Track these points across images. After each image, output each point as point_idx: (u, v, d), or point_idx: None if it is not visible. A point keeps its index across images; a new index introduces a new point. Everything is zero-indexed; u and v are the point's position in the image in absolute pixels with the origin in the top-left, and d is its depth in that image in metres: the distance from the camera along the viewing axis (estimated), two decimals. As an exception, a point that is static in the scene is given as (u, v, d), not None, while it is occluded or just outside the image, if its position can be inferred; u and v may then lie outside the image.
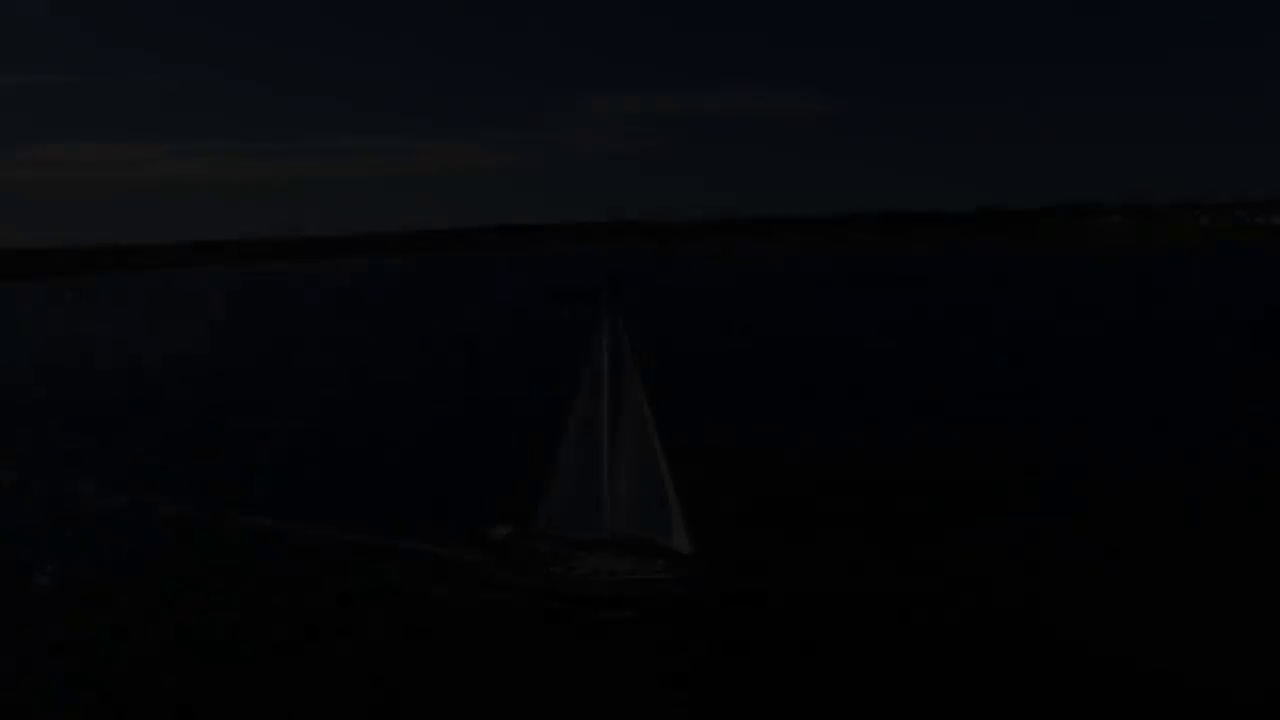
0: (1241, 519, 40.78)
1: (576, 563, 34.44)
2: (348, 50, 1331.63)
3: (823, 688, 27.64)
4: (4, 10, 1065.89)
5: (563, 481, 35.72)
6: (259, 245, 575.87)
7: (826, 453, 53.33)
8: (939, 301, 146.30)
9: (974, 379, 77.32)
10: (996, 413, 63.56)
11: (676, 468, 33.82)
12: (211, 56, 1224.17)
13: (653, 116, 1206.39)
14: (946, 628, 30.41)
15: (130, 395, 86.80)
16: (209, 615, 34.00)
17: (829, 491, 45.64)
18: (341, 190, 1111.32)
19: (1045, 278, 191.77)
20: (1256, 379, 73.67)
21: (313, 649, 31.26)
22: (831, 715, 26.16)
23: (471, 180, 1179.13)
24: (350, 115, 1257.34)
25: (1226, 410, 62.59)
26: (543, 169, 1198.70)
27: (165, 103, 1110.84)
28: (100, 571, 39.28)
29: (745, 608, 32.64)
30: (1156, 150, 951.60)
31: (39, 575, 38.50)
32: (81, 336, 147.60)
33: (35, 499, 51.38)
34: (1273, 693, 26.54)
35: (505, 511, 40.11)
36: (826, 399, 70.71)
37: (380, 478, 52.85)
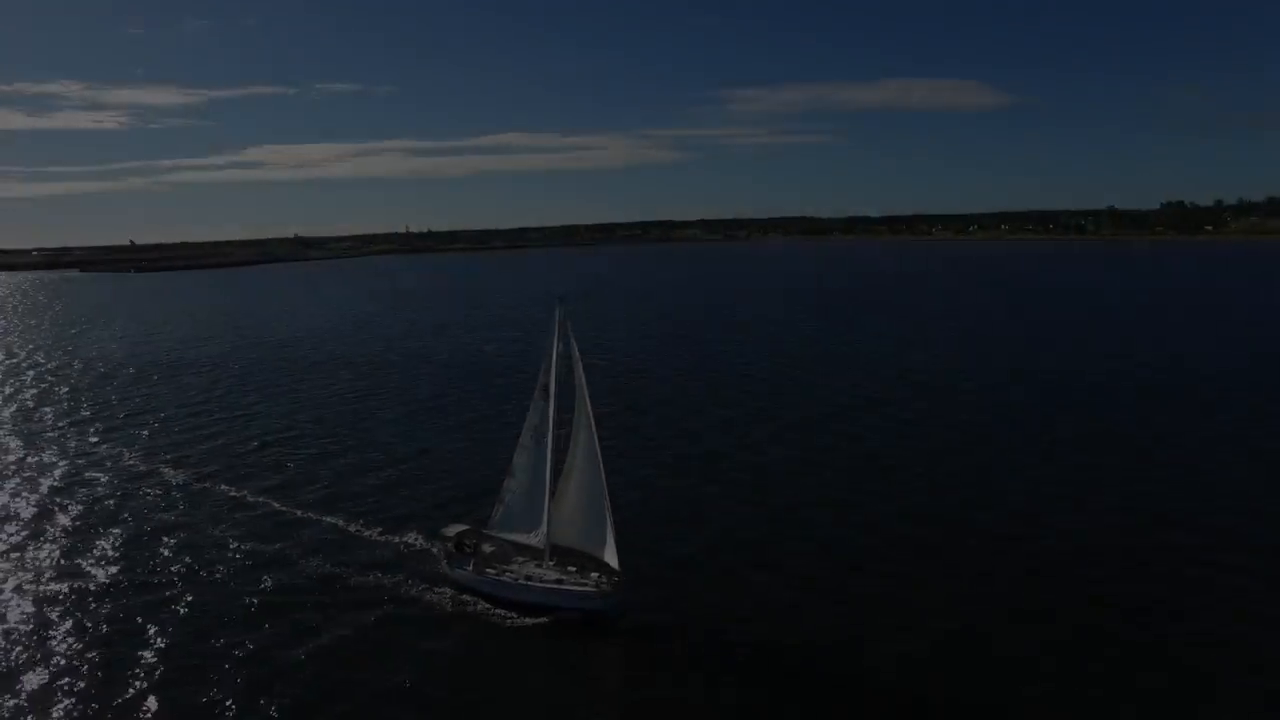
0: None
1: (516, 567, 34.82)
2: (504, 47, 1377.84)
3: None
4: (234, 33, 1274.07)
5: (512, 486, 36.33)
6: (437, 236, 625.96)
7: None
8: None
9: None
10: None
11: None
12: (391, 68, 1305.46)
13: (813, 110, 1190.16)
14: (888, 675, 29.14)
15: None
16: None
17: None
18: (507, 185, 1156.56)
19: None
20: None
21: (248, 633, 32.64)
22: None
23: (629, 174, 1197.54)
24: (511, 112, 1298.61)
25: None
26: (699, 164, 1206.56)
27: (356, 107, 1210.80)
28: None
29: (666, 629, 32.39)
30: None
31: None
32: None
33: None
34: None
35: (469, 510, 42.05)
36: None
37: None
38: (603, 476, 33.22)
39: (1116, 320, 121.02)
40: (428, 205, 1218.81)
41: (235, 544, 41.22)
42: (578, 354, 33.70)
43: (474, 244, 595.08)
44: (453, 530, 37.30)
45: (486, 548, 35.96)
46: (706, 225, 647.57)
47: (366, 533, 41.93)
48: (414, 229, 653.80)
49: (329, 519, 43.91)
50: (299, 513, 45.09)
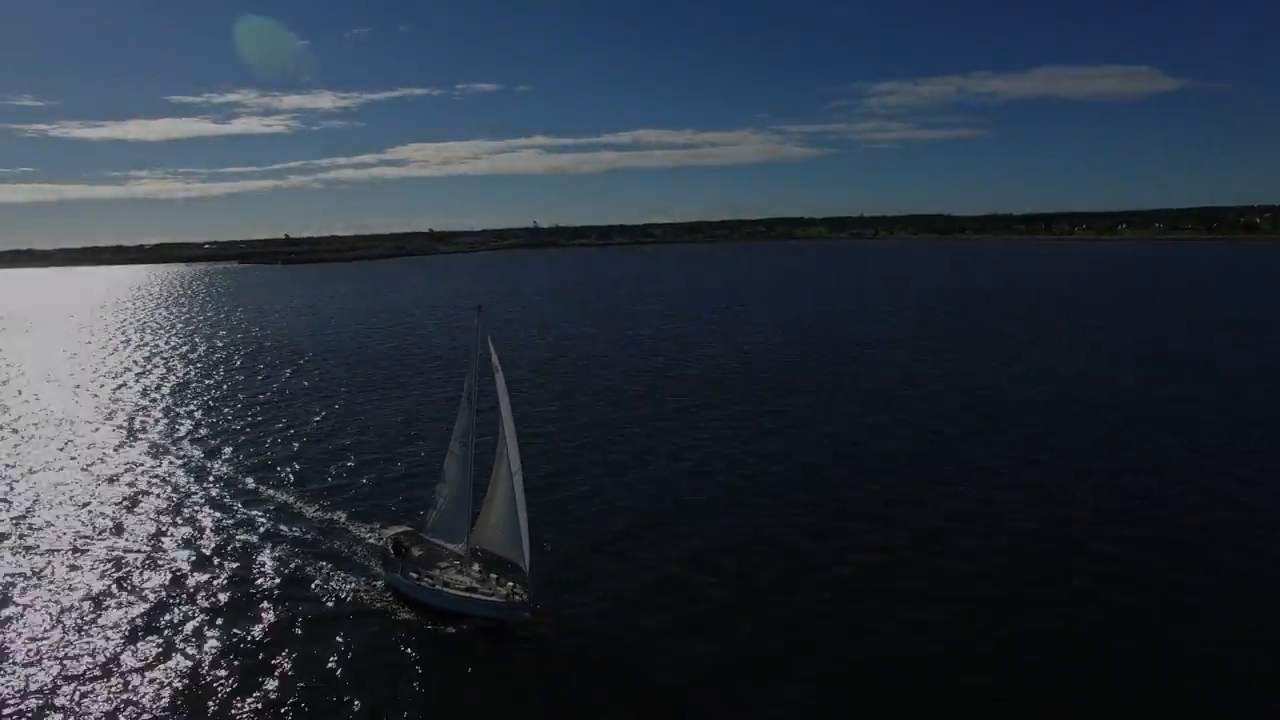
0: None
1: (437, 572, 35.12)
2: (637, 45, 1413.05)
3: None
4: (388, 40, 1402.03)
5: (442, 491, 36.73)
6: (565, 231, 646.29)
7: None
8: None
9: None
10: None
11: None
12: (530, 67, 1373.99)
13: (955, 103, 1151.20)
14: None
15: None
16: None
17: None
18: (637, 181, 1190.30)
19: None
20: None
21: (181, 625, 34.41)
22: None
23: (760, 171, 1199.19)
24: (644, 109, 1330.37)
25: None
26: (832, 161, 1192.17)
27: (496, 106, 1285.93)
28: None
29: (580, 636, 31.94)
30: None
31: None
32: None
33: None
34: None
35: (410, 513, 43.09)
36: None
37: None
38: (515, 483, 33.01)
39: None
40: (559, 201, 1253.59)
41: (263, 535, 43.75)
42: (497, 362, 33.66)
43: (598, 239, 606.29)
44: (392, 531, 38.12)
45: (415, 551, 36.52)
46: (833, 223, 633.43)
47: (330, 522, 43.61)
48: (541, 224, 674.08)
49: (302, 504, 46.06)
50: (297, 501, 47.49)
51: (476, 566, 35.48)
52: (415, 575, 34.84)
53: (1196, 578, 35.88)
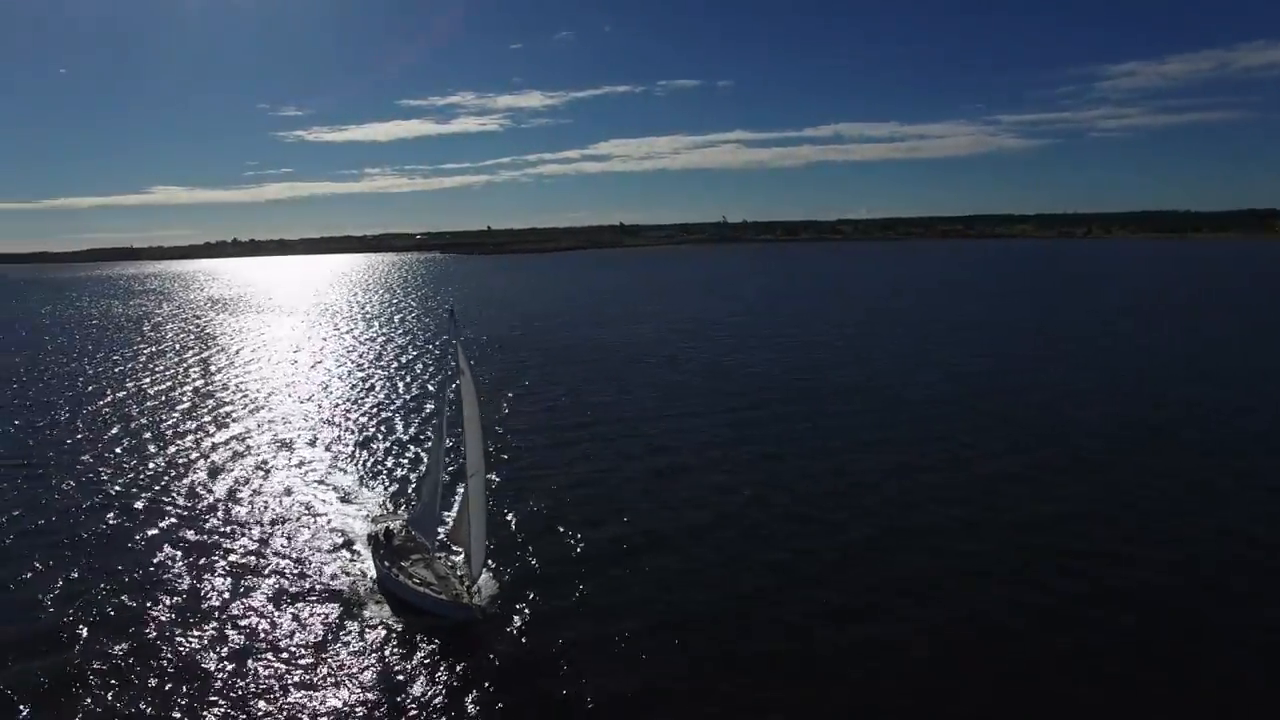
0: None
1: (408, 564, 35.86)
2: (840, 36, 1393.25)
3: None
4: (593, 40, 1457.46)
5: (424, 483, 37.81)
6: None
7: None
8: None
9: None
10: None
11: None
12: (731, 62, 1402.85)
13: (1206, 82, 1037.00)
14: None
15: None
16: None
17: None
18: (836, 176, 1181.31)
19: None
20: None
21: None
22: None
23: (969, 164, 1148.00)
24: (845, 102, 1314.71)
25: None
26: (1053, 151, 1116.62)
27: (697, 101, 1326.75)
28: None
29: (516, 650, 31.46)
30: None
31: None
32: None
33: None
34: None
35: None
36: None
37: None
38: (471, 485, 33.25)
39: None
40: (756, 196, 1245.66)
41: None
42: (463, 364, 34.10)
43: (783, 235, 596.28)
44: (381, 525, 39.24)
45: (395, 542, 37.55)
46: (1042, 220, 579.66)
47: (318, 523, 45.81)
48: (730, 219, 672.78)
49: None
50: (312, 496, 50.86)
51: (450, 562, 36.21)
52: (387, 565, 36.17)
53: None
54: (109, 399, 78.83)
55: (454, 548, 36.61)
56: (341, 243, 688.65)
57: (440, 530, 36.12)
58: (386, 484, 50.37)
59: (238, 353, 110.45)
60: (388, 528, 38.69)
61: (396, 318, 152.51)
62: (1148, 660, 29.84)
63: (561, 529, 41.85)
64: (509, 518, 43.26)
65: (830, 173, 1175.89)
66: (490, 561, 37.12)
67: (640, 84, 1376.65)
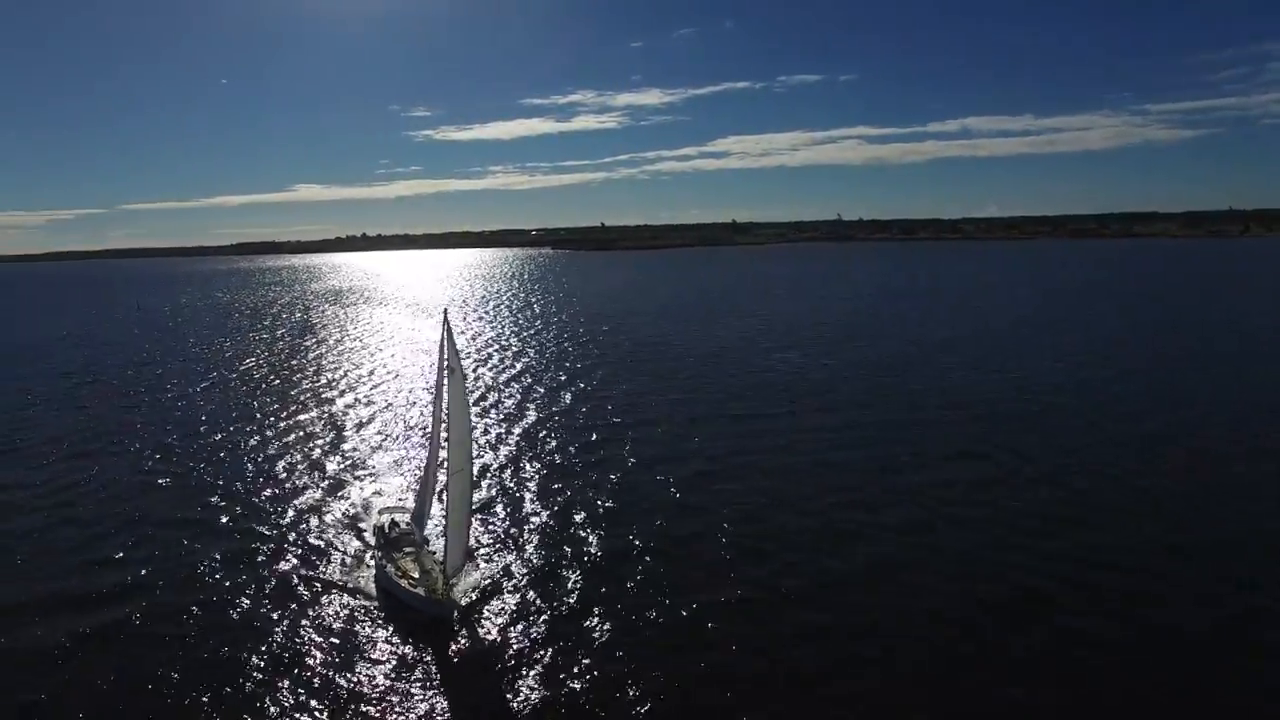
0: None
1: (397, 554, 35.79)
2: (966, 22, 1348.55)
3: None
4: (713, 37, 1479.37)
5: (423, 481, 37.71)
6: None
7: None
8: None
9: None
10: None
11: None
12: (854, 56, 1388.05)
13: None
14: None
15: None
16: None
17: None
18: (963, 173, 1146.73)
19: None
20: None
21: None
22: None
23: (1113, 158, 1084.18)
24: (975, 96, 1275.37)
25: None
26: (1215, 142, 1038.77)
27: (818, 96, 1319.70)
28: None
29: (511, 634, 30.85)
30: None
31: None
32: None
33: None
34: None
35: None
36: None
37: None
38: (450, 483, 32.83)
39: None
40: (878, 193, 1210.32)
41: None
42: (454, 362, 33.67)
43: (900, 234, 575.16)
44: (385, 517, 39.43)
45: (394, 534, 37.43)
46: (1190, 218, 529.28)
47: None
48: (846, 217, 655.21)
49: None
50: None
51: (438, 555, 35.95)
52: (380, 554, 36.25)
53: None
54: (214, 377, 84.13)
55: (442, 543, 36.25)
56: (461, 238, 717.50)
57: (429, 524, 35.92)
58: (409, 475, 50.80)
59: (356, 341, 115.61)
60: (392, 519, 38.92)
61: (506, 311, 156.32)
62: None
63: (574, 530, 41.03)
64: (521, 515, 42.84)
65: (955, 169, 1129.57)
66: (485, 559, 36.82)
67: (760, 80, 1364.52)
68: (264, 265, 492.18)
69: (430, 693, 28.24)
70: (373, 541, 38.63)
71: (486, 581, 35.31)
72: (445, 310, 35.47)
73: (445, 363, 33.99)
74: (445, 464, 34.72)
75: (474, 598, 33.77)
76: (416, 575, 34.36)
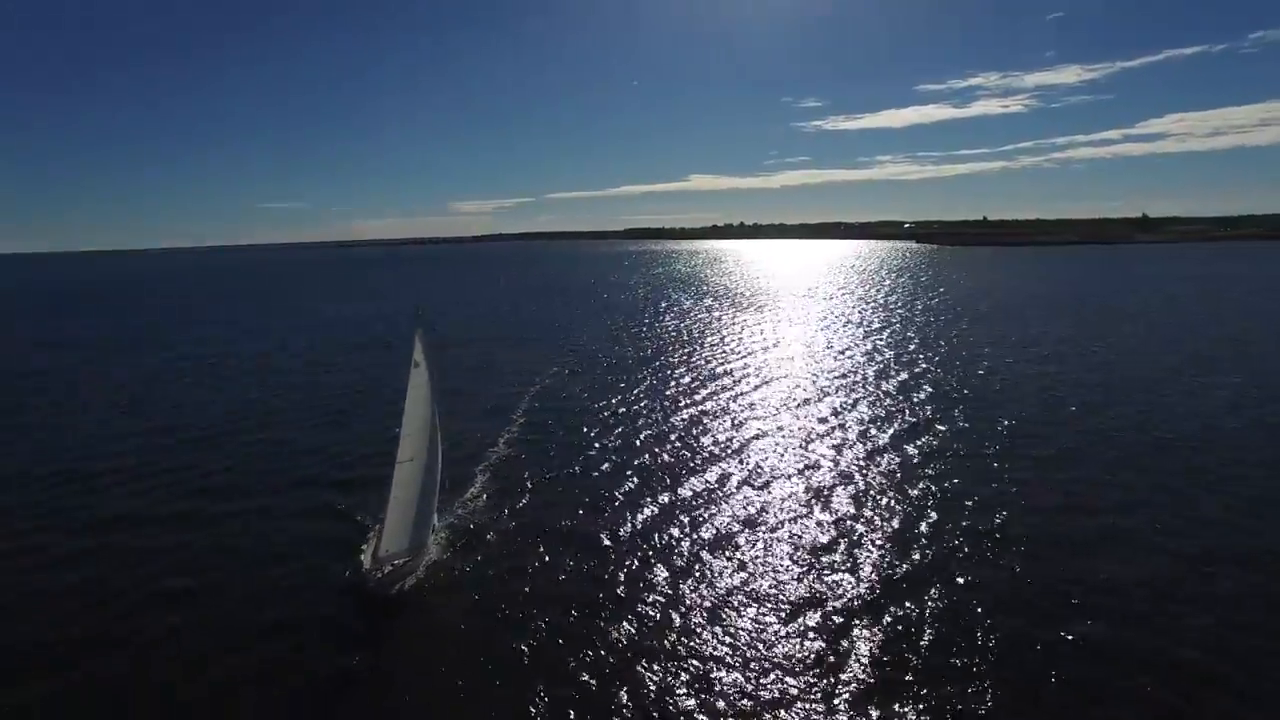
0: None
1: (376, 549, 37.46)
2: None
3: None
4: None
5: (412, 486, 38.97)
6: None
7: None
8: None
9: None
10: None
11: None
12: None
13: None
14: None
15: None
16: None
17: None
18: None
19: None
20: None
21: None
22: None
23: None
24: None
25: None
26: None
27: None
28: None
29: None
30: None
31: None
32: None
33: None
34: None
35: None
36: None
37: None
38: (401, 469, 34.11)
39: None
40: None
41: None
42: (418, 356, 34.60)
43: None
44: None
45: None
46: None
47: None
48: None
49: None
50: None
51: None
52: (367, 547, 37.89)
53: None
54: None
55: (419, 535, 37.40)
56: (831, 229, 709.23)
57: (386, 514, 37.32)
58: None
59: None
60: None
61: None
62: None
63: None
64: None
65: None
66: (480, 557, 37.35)
67: (1220, 41, 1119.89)
68: (648, 249, 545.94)
69: (368, 680, 28.19)
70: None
71: (489, 578, 35.59)
72: (419, 310, 36.65)
73: (413, 357, 35.27)
74: (426, 467, 36.17)
75: (415, 579, 34.50)
76: (387, 566, 35.98)
